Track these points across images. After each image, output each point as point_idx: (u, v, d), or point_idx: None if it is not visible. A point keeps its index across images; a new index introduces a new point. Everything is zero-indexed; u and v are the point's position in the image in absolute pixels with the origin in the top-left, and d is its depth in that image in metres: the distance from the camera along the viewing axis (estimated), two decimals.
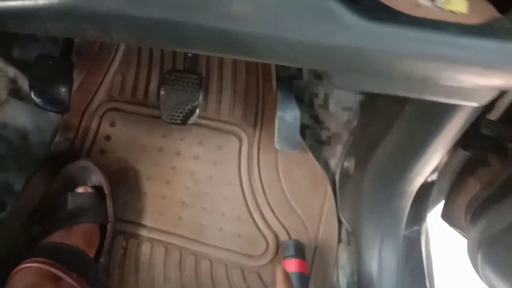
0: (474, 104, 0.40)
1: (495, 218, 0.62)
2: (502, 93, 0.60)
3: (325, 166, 0.83)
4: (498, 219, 0.61)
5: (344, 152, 0.82)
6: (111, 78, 0.88)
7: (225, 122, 0.84)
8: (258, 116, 0.85)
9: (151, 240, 0.81)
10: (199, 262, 0.79)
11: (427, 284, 0.72)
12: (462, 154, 0.71)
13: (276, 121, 0.78)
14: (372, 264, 0.71)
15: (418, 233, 0.74)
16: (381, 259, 0.71)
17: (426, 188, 0.73)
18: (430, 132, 0.57)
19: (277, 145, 0.77)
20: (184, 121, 0.73)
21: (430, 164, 0.63)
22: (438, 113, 0.55)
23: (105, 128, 0.87)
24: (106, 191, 0.78)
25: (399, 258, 0.71)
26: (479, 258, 0.63)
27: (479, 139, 0.66)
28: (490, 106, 0.62)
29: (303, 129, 0.84)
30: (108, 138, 0.87)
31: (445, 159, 0.74)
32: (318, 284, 0.76)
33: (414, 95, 0.38)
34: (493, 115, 0.64)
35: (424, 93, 0.38)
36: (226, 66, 0.85)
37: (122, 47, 0.89)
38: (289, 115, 0.79)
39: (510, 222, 0.59)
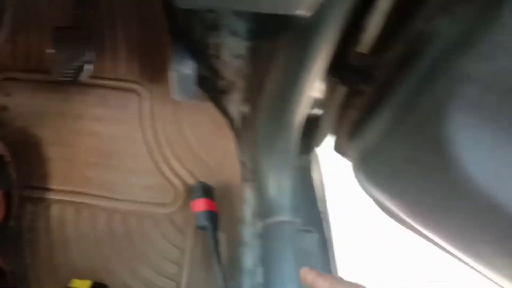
0: (300, 12, 0.45)
1: (368, 138, 0.70)
2: (364, 28, 0.68)
3: (225, 113, 0.88)
4: (370, 138, 0.69)
5: (240, 98, 0.87)
6: (1, 47, 0.86)
7: (122, 80, 0.86)
8: (156, 71, 0.87)
9: (60, 201, 0.82)
10: (111, 217, 0.82)
11: (319, 207, 0.80)
12: (342, 88, 0.80)
13: (172, 73, 0.81)
14: (271, 194, 0.78)
15: (309, 163, 0.82)
16: (279, 188, 0.78)
17: (312, 121, 0.81)
18: (297, 62, 0.63)
19: (174, 96, 0.80)
20: (76, 77, 0.73)
21: (306, 95, 0.70)
22: (300, 44, 0.61)
23: (0, 99, 0.86)
24: (7, 158, 0.78)
25: (294, 186, 0.78)
26: (361, 178, 0.71)
27: (351, 71, 0.74)
28: (356, 40, 0.70)
29: (201, 80, 0.87)
30: (4, 108, 0.86)
31: (328, 94, 0.82)
32: (227, 220, 0.82)
33: (246, 7, 0.42)
34: (361, 48, 0.72)
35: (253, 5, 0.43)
36: (118, 23, 0.86)
37: (9, 14, 0.86)
38: (184, 67, 0.82)
39: (380, 137, 0.67)
